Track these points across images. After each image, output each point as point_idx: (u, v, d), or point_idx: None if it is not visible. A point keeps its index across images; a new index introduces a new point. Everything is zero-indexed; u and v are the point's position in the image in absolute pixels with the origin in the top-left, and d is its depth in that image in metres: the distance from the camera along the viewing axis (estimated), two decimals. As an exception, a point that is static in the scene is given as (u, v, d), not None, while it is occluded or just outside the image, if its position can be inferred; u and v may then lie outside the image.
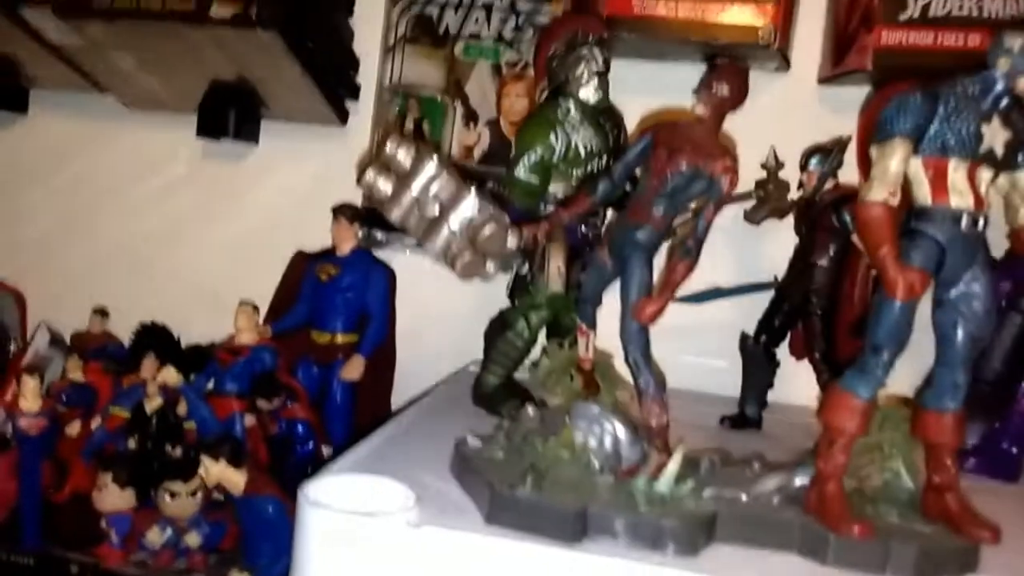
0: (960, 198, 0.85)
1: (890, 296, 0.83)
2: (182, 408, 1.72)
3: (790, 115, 1.72)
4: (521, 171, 1.33)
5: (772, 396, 1.52)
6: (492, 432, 1.07)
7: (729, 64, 1.04)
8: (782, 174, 1.57)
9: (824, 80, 1.71)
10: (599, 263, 1.09)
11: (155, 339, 1.83)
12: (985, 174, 0.86)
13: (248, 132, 1.93)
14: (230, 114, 1.87)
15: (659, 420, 0.97)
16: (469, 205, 1.10)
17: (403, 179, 1.11)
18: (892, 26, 1.52)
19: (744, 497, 0.93)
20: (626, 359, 1.00)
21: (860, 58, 1.56)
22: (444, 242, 1.12)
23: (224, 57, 1.70)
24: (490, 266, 1.14)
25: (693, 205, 0.98)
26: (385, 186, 1.11)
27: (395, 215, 1.13)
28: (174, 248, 2.05)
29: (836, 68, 1.64)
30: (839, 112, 1.72)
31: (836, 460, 0.89)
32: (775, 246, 1.60)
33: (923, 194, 0.87)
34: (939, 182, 0.85)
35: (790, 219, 1.55)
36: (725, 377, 1.56)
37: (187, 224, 2.04)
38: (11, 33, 1.75)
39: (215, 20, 1.54)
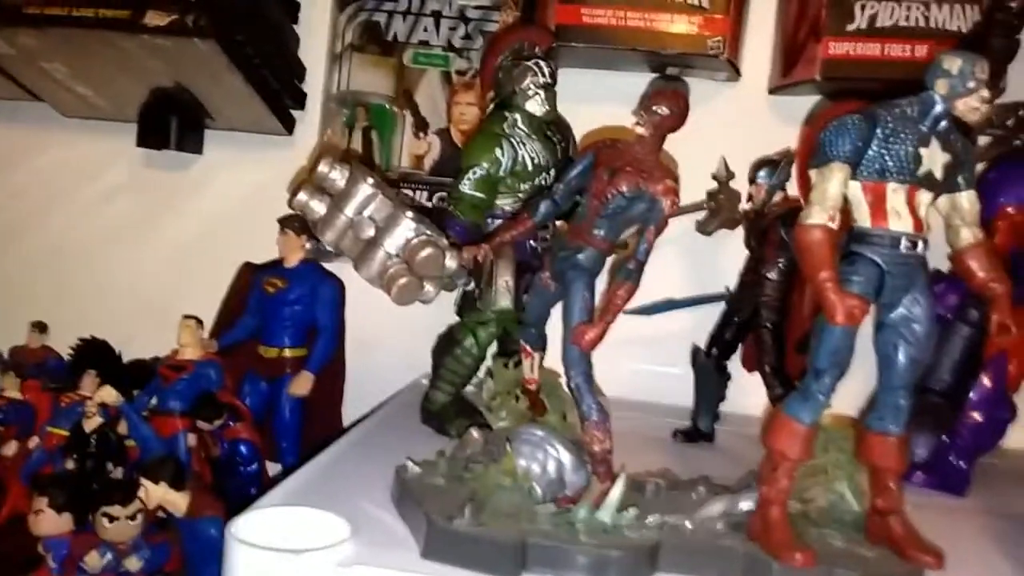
0: (899, 221, 0.84)
1: (830, 321, 0.82)
2: (123, 427, 1.67)
3: (741, 125, 1.72)
4: (467, 186, 1.30)
5: (725, 407, 1.52)
6: (433, 458, 1.05)
7: (669, 85, 1.02)
8: (733, 184, 1.57)
9: (774, 90, 1.70)
10: (541, 286, 1.07)
11: (95, 355, 1.77)
12: (924, 197, 0.86)
13: (191, 142, 1.88)
14: (172, 124, 1.81)
15: (602, 446, 0.95)
16: (405, 227, 1.07)
17: (337, 200, 1.08)
18: (839, 37, 1.52)
19: (688, 524, 0.91)
20: (568, 384, 0.98)
21: (809, 68, 1.56)
22: (380, 265, 1.08)
23: (163, 66, 1.65)
24: (428, 289, 1.11)
25: (631, 231, 0.96)
26: (319, 207, 1.08)
27: (328, 237, 1.10)
28: (115, 260, 1.99)
29: (785, 78, 1.64)
30: (789, 122, 1.72)
31: (779, 485, 0.88)
32: (727, 257, 1.59)
33: (862, 217, 0.86)
34: (878, 205, 0.85)
35: (741, 230, 1.54)
36: (678, 385, 1.55)
37: (128, 236, 1.98)
38: (-62, 41, 1.68)
39: (150, 28, 1.48)
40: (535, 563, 0.85)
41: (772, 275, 1.38)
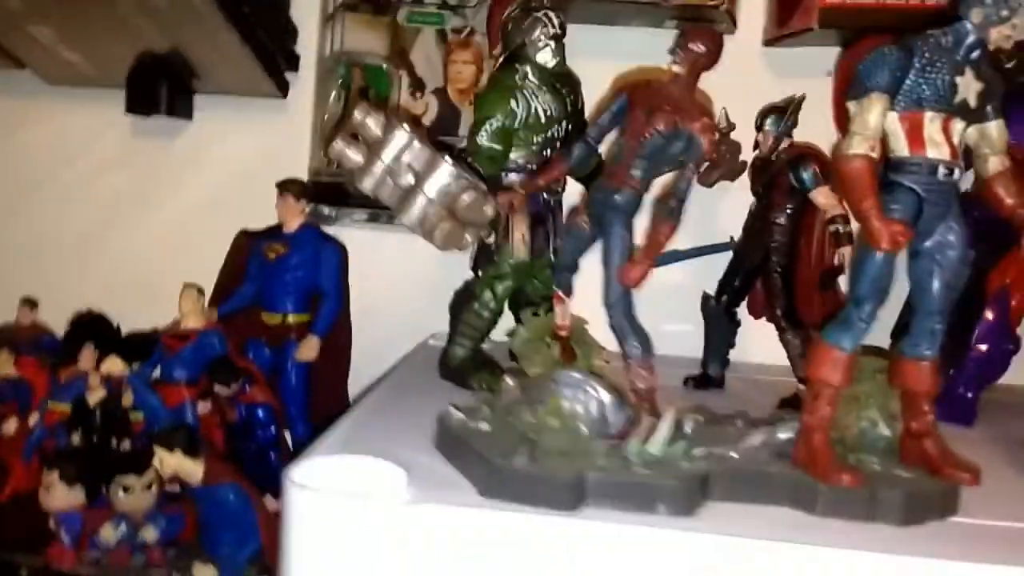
0: (936, 149, 0.87)
1: (875, 247, 0.84)
2: (127, 399, 1.66)
3: (737, 78, 1.71)
4: (484, 138, 1.30)
5: (733, 355, 1.55)
6: (474, 404, 1.06)
7: (703, 25, 1.03)
8: (732, 135, 1.59)
9: (769, 42, 1.72)
10: (577, 229, 1.08)
11: (93, 329, 1.74)
12: (958, 125, 0.88)
13: (181, 107, 1.84)
14: (161, 88, 1.77)
15: (647, 383, 0.97)
16: (445, 173, 1.07)
17: (374, 148, 1.07)
18: (836, -15, 1.54)
19: (734, 454, 0.94)
20: (611, 324, 1.00)
21: (806, 17, 1.58)
22: (420, 211, 1.08)
23: (154, 27, 1.61)
24: (469, 235, 1.12)
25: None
26: (355, 156, 1.07)
27: (367, 185, 1.09)
28: (107, 233, 1.95)
29: (782, 28, 1.66)
30: (784, 74, 1.75)
31: (822, 412, 0.91)
32: (729, 207, 1.61)
33: (900, 146, 0.88)
34: (915, 134, 0.87)
35: (743, 180, 1.56)
36: (686, 340, 1.58)
37: (120, 207, 1.94)
38: (-86, 6, 1.61)
39: (146, -13, 1.45)
40: (594, 496, 0.86)
41: (781, 220, 1.40)
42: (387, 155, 1.07)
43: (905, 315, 1.13)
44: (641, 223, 1.06)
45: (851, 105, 0.87)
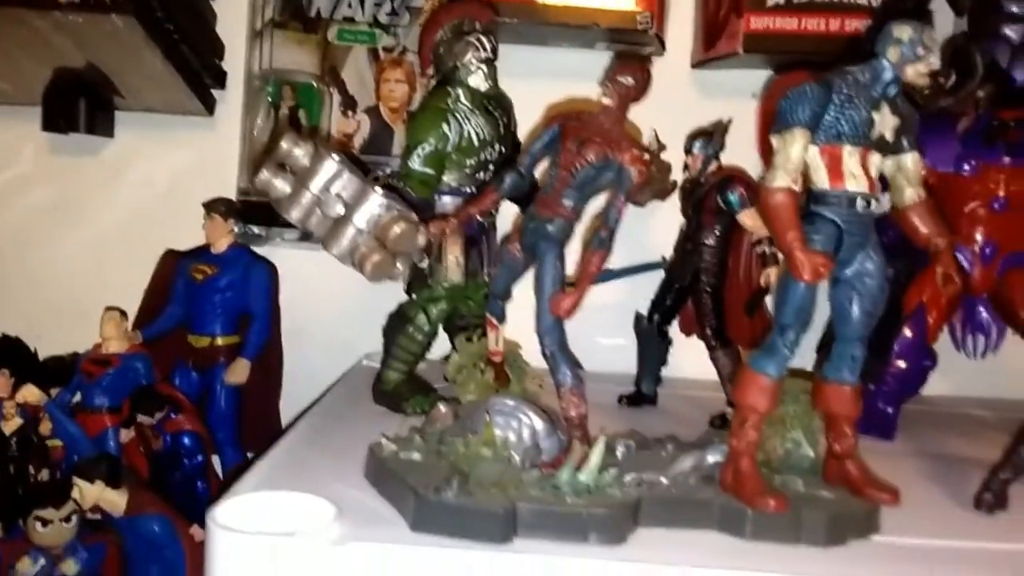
0: (855, 182, 0.90)
1: (798, 279, 0.86)
2: (45, 427, 1.60)
3: (666, 98, 1.74)
4: (416, 162, 1.29)
5: (665, 371, 1.57)
6: (406, 433, 1.05)
7: (632, 57, 1.04)
8: (662, 156, 1.62)
9: (697, 64, 1.76)
10: (510, 257, 1.08)
11: (8, 354, 1.67)
12: (876, 158, 0.91)
13: (101, 124, 1.78)
14: (80, 105, 1.71)
15: (578, 410, 0.98)
16: (375, 203, 1.06)
17: (301, 178, 1.05)
18: (760, 12, 1.59)
19: (664, 480, 0.95)
20: (543, 352, 1.00)
21: (731, 43, 1.62)
22: (350, 242, 1.07)
23: (72, 44, 1.55)
24: (399, 265, 1.11)
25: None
26: (283, 185, 1.05)
27: (295, 215, 1.07)
28: (24, 253, 1.87)
29: (708, 52, 1.70)
30: (712, 95, 1.79)
31: (748, 437, 0.93)
32: (660, 226, 1.64)
33: (821, 179, 0.91)
34: (835, 167, 0.90)
35: (673, 199, 1.59)
36: (619, 354, 1.59)
37: (38, 226, 1.86)
38: None
39: (64, 5, 1.39)
40: (525, 528, 0.87)
41: (710, 241, 1.43)
42: (315, 185, 1.05)
43: (829, 334, 1.16)
44: (573, 251, 1.07)
45: (774, 139, 0.89)
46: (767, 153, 0.93)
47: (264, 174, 1.06)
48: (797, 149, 0.88)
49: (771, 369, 0.92)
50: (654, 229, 1.68)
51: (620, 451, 1.01)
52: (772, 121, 0.92)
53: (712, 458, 0.99)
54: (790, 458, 1.03)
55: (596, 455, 0.93)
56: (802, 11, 1.58)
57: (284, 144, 1.06)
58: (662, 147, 1.61)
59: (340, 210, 1.06)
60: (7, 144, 1.84)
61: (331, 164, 1.05)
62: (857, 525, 0.93)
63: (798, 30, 1.59)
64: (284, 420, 1.80)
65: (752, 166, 1.59)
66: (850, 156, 0.89)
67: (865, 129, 0.89)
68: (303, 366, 1.80)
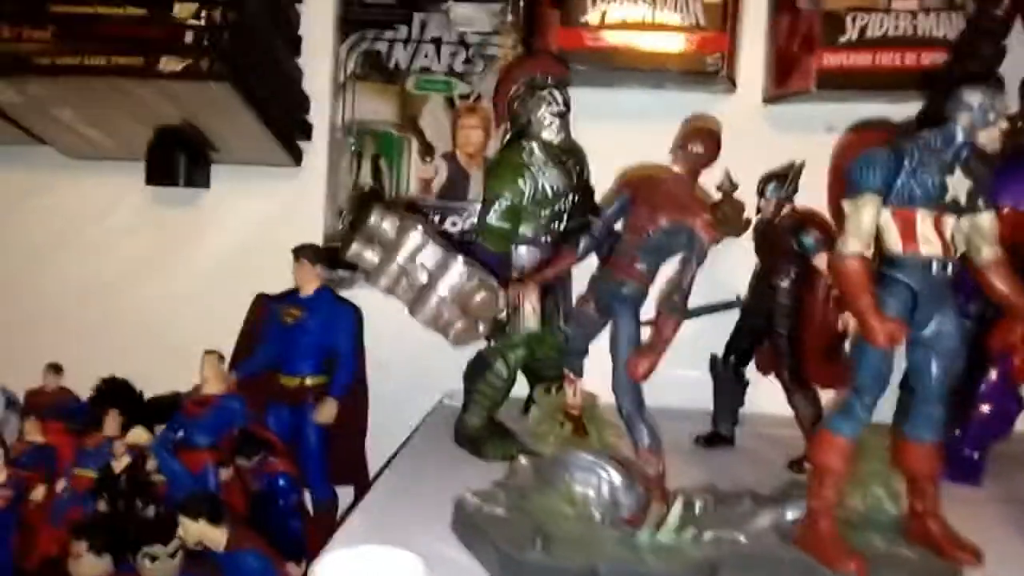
0: (929, 246, 0.90)
1: (872, 344, 0.87)
2: (151, 465, 1.69)
3: (738, 135, 1.76)
4: (493, 217, 1.34)
5: (742, 409, 1.57)
6: (489, 488, 1.09)
7: (702, 124, 1.07)
8: (736, 194, 1.63)
9: (769, 100, 1.76)
10: (585, 317, 1.11)
11: (117, 394, 1.78)
12: (950, 220, 0.92)
13: (198, 177, 1.89)
14: (179, 160, 1.82)
15: (655, 469, 1.00)
16: (456, 272, 1.11)
17: (389, 248, 1.11)
18: (832, 49, 1.59)
19: (742, 538, 0.97)
20: (619, 411, 1.03)
21: (804, 80, 1.63)
22: (434, 310, 1.12)
23: (172, 107, 1.66)
24: (481, 329, 1.16)
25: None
26: (371, 257, 1.11)
27: (382, 284, 1.13)
28: (129, 298, 1.99)
29: (780, 89, 1.71)
30: (784, 130, 1.79)
31: (826, 497, 0.94)
32: (735, 264, 1.65)
33: (894, 242, 0.92)
34: (908, 232, 0.90)
35: (747, 238, 1.60)
36: (694, 389, 1.60)
37: (141, 273, 1.99)
38: (-60, 91, 1.67)
39: (165, 74, 1.50)
40: (606, 587, 0.90)
41: (785, 284, 1.43)
42: (401, 256, 1.11)
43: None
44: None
45: (846, 204, 0.91)
46: (837, 209, 0.94)
47: (354, 247, 1.12)
48: (869, 215, 0.89)
49: (847, 430, 0.93)
50: (728, 267, 1.68)
51: (698, 507, 1.02)
52: (843, 179, 0.93)
53: (791, 515, 1.00)
54: (870, 515, 1.03)
55: (674, 514, 0.95)
56: (876, 47, 1.57)
57: (372, 218, 1.12)
58: (734, 186, 1.62)
59: (425, 279, 1.11)
60: (113, 195, 1.97)
61: (416, 235, 1.11)
62: (939, 586, 0.93)
63: (872, 66, 1.58)
64: (369, 451, 1.88)
65: (825, 203, 1.59)
66: (923, 220, 0.90)
67: (938, 193, 0.90)
68: (386, 402, 1.87)
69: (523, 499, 1.04)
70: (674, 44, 1.61)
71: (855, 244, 0.88)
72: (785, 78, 1.69)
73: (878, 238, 0.92)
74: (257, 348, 1.80)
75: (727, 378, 1.52)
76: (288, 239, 1.78)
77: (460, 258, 1.12)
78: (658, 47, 1.61)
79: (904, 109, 1.62)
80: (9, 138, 1.86)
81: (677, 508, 0.95)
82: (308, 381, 1.76)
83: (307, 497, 1.76)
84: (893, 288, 0.91)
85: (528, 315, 1.36)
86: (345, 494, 1.82)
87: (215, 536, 1.52)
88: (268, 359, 1.80)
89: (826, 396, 1.44)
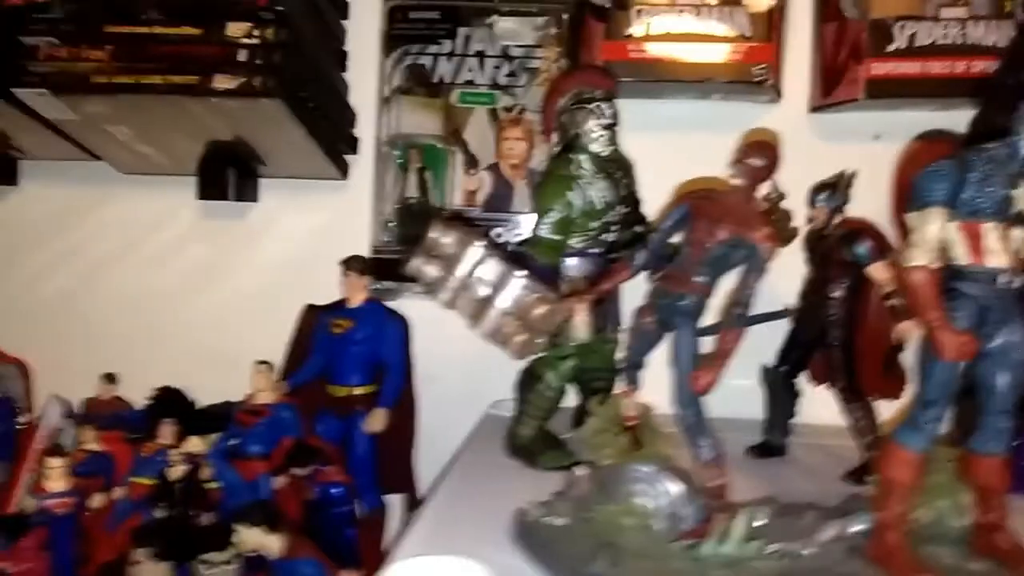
0: (996, 258, 0.90)
1: (940, 358, 0.87)
2: (206, 473, 1.73)
3: (785, 144, 1.76)
4: (544, 230, 1.36)
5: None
6: (549, 499, 1.10)
7: (762, 138, 1.07)
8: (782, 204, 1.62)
9: (815, 108, 1.76)
10: (644, 329, 1.12)
11: (172, 404, 1.82)
12: (1017, 233, 0.91)
13: (247, 190, 1.93)
14: (229, 175, 1.86)
15: (718, 482, 1.01)
16: (516, 285, 1.13)
17: (449, 263, 1.13)
18: (881, 58, 1.58)
19: (806, 551, 0.97)
20: (680, 423, 1.04)
21: (852, 89, 1.62)
22: (494, 323, 1.14)
23: (223, 123, 1.70)
24: (541, 342, 1.17)
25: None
26: (432, 271, 1.13)
27: (443, 298, 1.15)
28: (180, 310, 2.04)
29: (827, 98, 1.70)
30: (832, 138, 1.78)
31: (895, 510, 0.94)
32: (780, 274, 1.64)
33: (960, 255, 0.91)
34: (974, 244, 0.90)
35: (794, 248, 1.59)
36: (745, 398, 1.59)
37: (192, 285, 2.03)
38: (1, 110, 1.72)
39: (219, 92, 1.54)
40: (674, 599, 0.90)
41: (837, 294, 1.43)
42: (461, 270, 1.13)
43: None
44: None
45: (910, 218, 0.91)
46: (900, 220, 0.94)
47: (415, 262, 1.14)
48: (934, 227, 0.89)
49: (915, 443, 0.92)
50: (777, 277, 1.68)
51: (760, 520, 1.03)
52: (907, 190, 0.94)
53: (856, 527, 1.00)
54: (936, 528, 1.02)
55: (739, 526, 0.95)
56: (925, 55, 1.57)
57: (433, 233, 1.14)
58: (781, 195, 1.62)
59: (485, 292, 1.13)
60: (166, 210, 2.02)
61: (476, 250, 1.13)
62: (1009, 601, 0.92)
63: (921, 74, 1.57)
64: (416, 460, 1.90)
65: (876, 211, 1.58)
66: (990, 233, 0.90)
67: (1005, 206, 0.90)
68: (434, 411, 1.89)
69: (584, 510, 1.05)
70: (720, 55, 1.62)
71: (921, 256, 0.88)
72: (832, 87, 1.68)
73: (944, 251, 0.92)
74: (306, 359, 1.84)
75: (780, 388, 1.52)
76: (335, 251, 1.80)
77: (520, 272, 1.14)
78: (704, 58, 1.62)
79: (952, 117, 1.62)
80: (65, 154, 1.91)
81: (741, 520, 0.95)
82: (357, 391, 1.78)
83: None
84: (960, 301, 0.91)
85: (579, 326, 1.37)
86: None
87: (271, 544, 1.55)
88: (317, 369, 1.82)
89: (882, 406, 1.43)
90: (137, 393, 1.89)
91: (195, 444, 1.69)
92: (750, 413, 1.59)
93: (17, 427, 1.95)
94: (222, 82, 1.53)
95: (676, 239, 1.14)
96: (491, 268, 1.14)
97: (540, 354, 1.45)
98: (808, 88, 1.78)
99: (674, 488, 1.04)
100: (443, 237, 1.14)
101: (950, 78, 1.56)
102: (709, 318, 1.13)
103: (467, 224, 1.21)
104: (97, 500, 1.73)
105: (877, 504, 0.95)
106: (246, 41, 1.58)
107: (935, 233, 0.89)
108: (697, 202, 1.07)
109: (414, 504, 1.85)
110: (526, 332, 1.14)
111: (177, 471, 1.70)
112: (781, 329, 1.56)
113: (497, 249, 1.17)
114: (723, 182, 1.06)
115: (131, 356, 2.00)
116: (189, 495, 1.71)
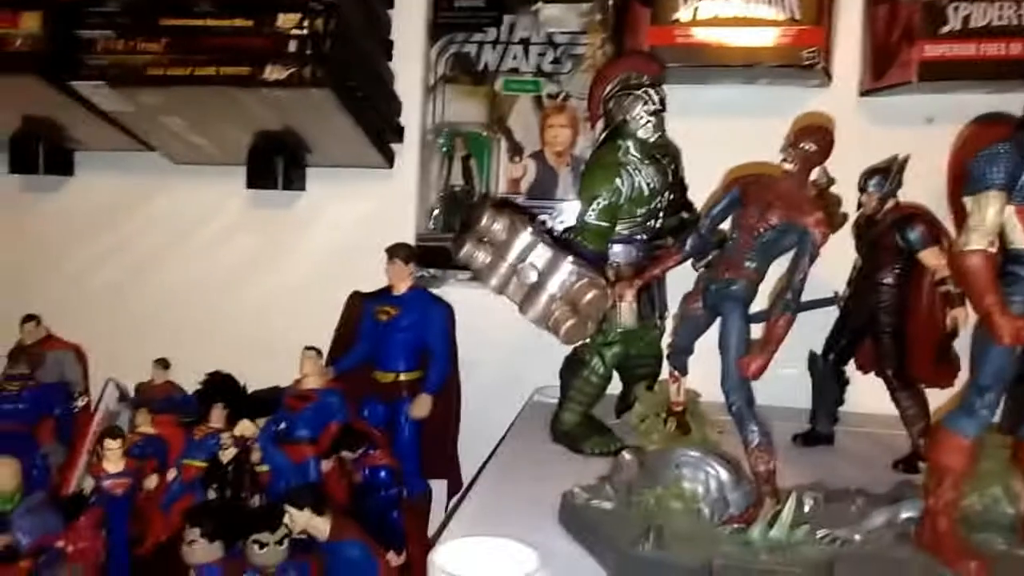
0: (1053, 242, 0.88)
1: (998, 343, 0.86)
2: (255, 456, 1.76)
3: (834, 128, 1.75)
4: (592, 216, 1.36)
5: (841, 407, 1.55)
6: (596, 483, 1.11)
7: (816, 123, 1.06)
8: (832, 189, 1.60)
9: (866, 92, 1.73)
10: (692, 315, 1.12)
11: (222, 388, 1.86)
12: (1075, 216, 0.89)
13: (295, 180, 1.96)
14: (278, 164, 1.89)
15: (767, 466, 1.00)
16: (566, 271, 1.14)
17: (499, 249, 1.14)
18: (934, 39, 1.55)
19: (856, 536, 0.96)
20: (729, 409, 1.04)
21: (904, 71, 1.59)
22: (544, 308, 1.15)
23: (273, 113, 1.73)
24: (590, 327, 1.18)
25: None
26: (483, 257, 1.15)
27: (493, 283, 1.17)
28: (230, 297, 2.08)
29: (879, 81, 1.67)
30: (882, 123, 1.75)
31: (946, 497, 0.93)
32: (831, 261, 1.62)
33: (1017, 239, 0.90)
34: (1032, 228, 0.88)
35: (843, 234, 1.57)
36: (792, 388, 1.58)
37: (241, 273, 2.07)
38: (59, 101, 1.78)
39: (269, 82, 1.56)
40: (721, 582, 0.90)
41: (888, 280, 1.41)
42: (512, 255, 1.14)
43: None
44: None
45: (968, 201, 0.89)
46: (957, 204, 0.92)
47: (466, 248, 1.16)
48: (992, 211, 0.87)
49: (968, 429, 0.91)
50: (825, 264, 1.66)
51: (809, 505, 1.02)
52: (963, 174, 0.92)
53: (906, 514, 0.99)
54: (989, 515, 1.01)
55: (788, 511, 0.95)
56: (980, 37, 1.53)
57: (484, 219, 1.15)
58: (831, 181, 1.60)
59: (534, 278, 1.14)
60: (216, 199, 2.06)
61: (526, 236, 1.14)
62: (1065, 588, 0.91)
63: (976, 56, 1.53)
64: (461, 445, 1.92)
65: (927, 196, 1.55)
66: (1048, 217, 0.88)
67: (1063, 188, 0.88)
68: (478, 397, 1.90)
69: (631, 494, 1.06)
70: (769, 38, 1.59)
71: (978, 240, 0.87)
72: (884, 70, 1.65)
73: (1001, 235, 0.90)
74: (353, 345, 1.86)
75: (827, 375, 1.50)
76: (381, 239, 1.82)
77: (569, 257, 1.15)
78: (752, 42, 1.60)
79: (1006, 99, 1.58)
80: (119, 144, 1.96)
81: (790, 505, 0.95)
82: (402, 377, 1.81)
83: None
84: (1018, 286, 0.89)
85: (625, 312, 1.37)
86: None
87: (319, 525, 1.58)
88: (363, 355, 1.85)
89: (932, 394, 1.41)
90: (188, 380, 1.93)
91: (245, 428, 1.73)
92: (797, 402, 1.58)
93: (74, 410, 2.02)
94: (272, 73, 1.56)
95: (725, 225, 1.14)
96: (540, 254, 1.15)
97: (586, 340, 1.46)
98: (858, 71, 1.75)
99: (722, 473, 1.05)
100: (494, 224, 1.15)
101: (1005, 60, 1.52)
102: (758, 304, 1.12)
103: (516, 210, 1.22)
104: (151, 481, 1.78)
105: (928, 491, 0.94)
106: (296, 32, 1.60)
107: (993, 217, 0.88)
108: (748, 187, 1.07)
109: (456, 490, 1.87)
110: (576, 317, 1.15)
111: (228, 454, 1.74)
112: (828, 317, 1.55)
113: (546, 235, 1.18)
114: (774, 167, 1.05)
115: (182, 343, 2.05)
116: (239, 477, 1.75)
